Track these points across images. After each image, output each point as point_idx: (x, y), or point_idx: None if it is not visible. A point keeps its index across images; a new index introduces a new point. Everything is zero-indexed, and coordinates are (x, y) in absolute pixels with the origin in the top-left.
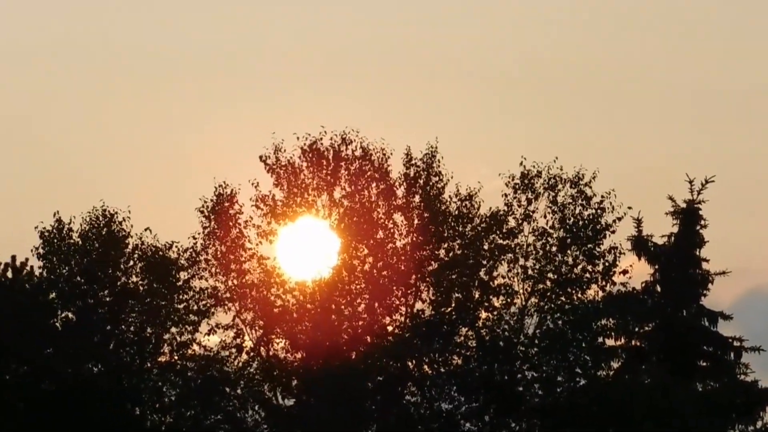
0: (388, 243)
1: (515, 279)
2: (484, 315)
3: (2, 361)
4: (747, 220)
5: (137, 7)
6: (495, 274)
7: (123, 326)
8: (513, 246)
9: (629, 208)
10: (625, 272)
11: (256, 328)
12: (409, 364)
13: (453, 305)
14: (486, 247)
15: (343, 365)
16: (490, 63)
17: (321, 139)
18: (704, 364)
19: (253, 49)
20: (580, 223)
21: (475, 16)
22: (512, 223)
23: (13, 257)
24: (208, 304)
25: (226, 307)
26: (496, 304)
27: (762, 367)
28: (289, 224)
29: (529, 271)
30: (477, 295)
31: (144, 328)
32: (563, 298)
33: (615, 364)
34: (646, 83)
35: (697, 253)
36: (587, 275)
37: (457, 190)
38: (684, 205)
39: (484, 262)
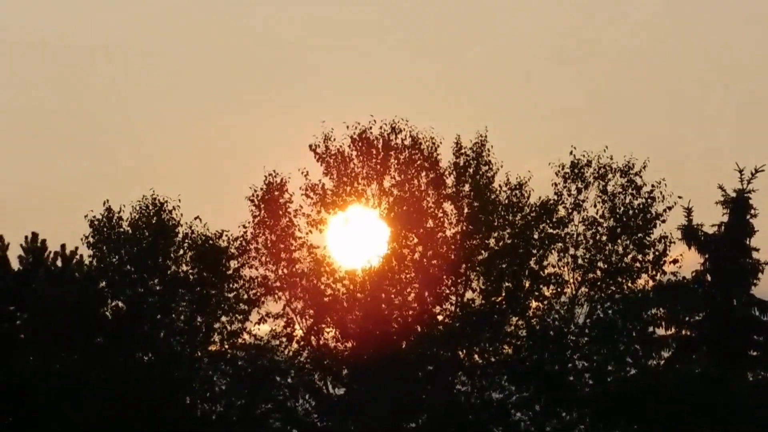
0: (438, 232)
1: (565, 268)
2: (534, 304)
3: (53, 350)
4: None
5: (189, 2)
6: (545, 263)
7: (173, 315)
8: (563, 235)
9: (679, 197)
10: (675, 261)
11: (306, 317)
12: (460, 353)
13: (503, 294)
14: (536, 236)
15: (393, 354)
16: (540, 51)
17: (370, 127)
18: (755, 353)
19: (304, 38)
20: (630, 212)
21: (522, 3)
22: (562, 212)
23: (63, 246)
24: (258, 293)
25: (276, 296)
26: (546, 294)
27: None
28: (339, 213)
29: (579, 261)
30: (527, 285)
31: (194, 317)
32: (613, 288)
33: (665, 354)
34: (696, 72)
35: (748, 242)
36: (637, 265)
37: (507, 180)
38: (734, 195)
39: (534, 252)
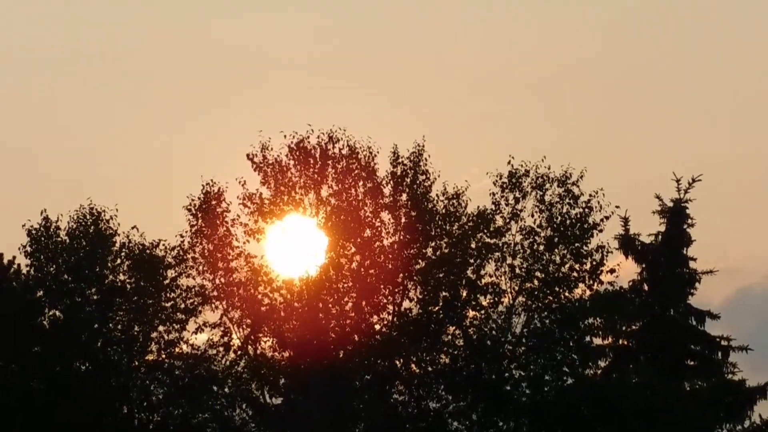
0: (375, 241)
1: (503, 278)
2: (471, 314)
3: None
4: (734, 220)
5: (125, 9)
6: (482, 272)
7: (110, 324)
8: (500, 245)
9: (617, 207)
10: (612, 271)
11: (244, 326)
12: (397, 362)
13: (440, 304)
14: (473, 245)
15: (331, 364)
16: (478, 62)
17: (308, 137)
18: (692, 363)
19: (241, 48)
20: (568, 222)
21: (463, 17)
22: (500, 221)
23: (0, 255)
24: (196, 303)
25: (213, 306)
26: (484, 303)
27: (749, 367)
28: (277, 222)
29: (517, 270)
30: (464, 294)
31: (131, 326)
32: (551, 297)
33: (603, 363)
34: (633, 83)
35: (685, 252)
36: (575, 274)
37: (444, 189)
38: (671, 204)
39: (472, 261)
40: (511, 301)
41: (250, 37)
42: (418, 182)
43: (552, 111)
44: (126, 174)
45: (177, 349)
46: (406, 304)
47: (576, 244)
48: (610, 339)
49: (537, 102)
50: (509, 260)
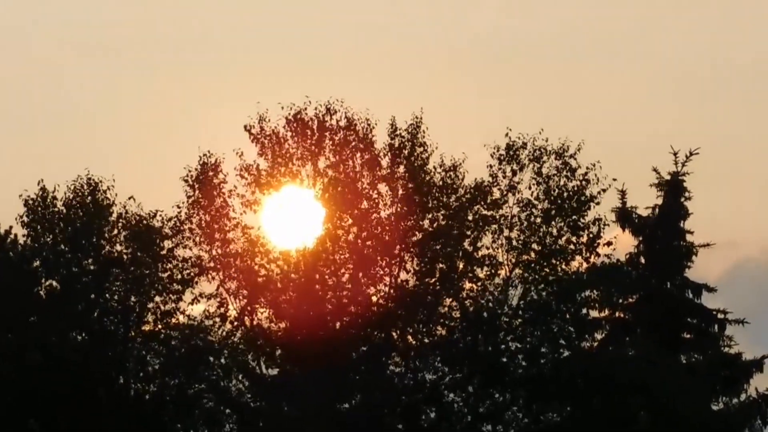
0: (373, 213)
1: (499, 250)
2: (468, 286)
3: None
4: (732, 193)
5: None
6: (479, 245)
7: (107, 295)
8: (497, 217)
9: (614, 179)
10: (609, 244)
11: (240, 297)
12: (393, 334)
13: (437, 276)
14: (470, 218)
15: (327, 335)
16: (477, 34)
17: (306, 109)
18: (688, 336)
19: (240, 19)
20: (565, 194)
21: None
22: (497, 194)
23: None
24: (192, 273)
25: (210, 277)
26: (480, 275)
27: (746, 340)
28: (274, 194)
29: (514, 242)
30: (461, 266)
31: (128, 296)
32: (547, 270)
33: (599, 336)
34: (632, 55)
35: (682, 225)
36: (571, 247)
37: (442, 161)
38: (668, 177)
39: (469, 233)
40: (508, 274)
41: (248, 8)
42: (415, 154)
43: (550, 83)
44: (123, 145)
45: (173, 320)
46: (402, 275)
47: (573, 217)
48: (606, 312)
49: (535, 74)
50: (506, 232)
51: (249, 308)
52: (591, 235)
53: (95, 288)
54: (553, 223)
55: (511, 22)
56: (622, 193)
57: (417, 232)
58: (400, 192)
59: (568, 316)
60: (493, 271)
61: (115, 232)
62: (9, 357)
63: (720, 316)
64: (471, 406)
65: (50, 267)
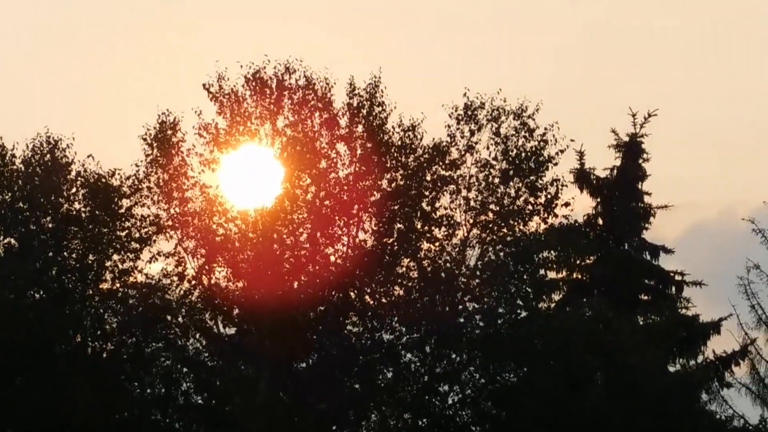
0: (331, 173)
1: (457, 210)
2: (426, 246)
3: None
4: (691, 156)
5: None
6: (437, 205)
7: (65, 253)
8: (455, 177)
9: (572, 140)
10: (567, 205)
11: (198, 256)
12: (351, 294)
13: (395, 236)
14: (428, 178)
15: (285, 295)
16: None
17: (264, 68)
18: (645, 297)
19: None
20: (523, 155)
21: None
22: (455, 154)
23: None
24: (150, 232)
25: (168, 235)
26: (438, 236)
27: (703, 302)
28: (232, 153)
29: (472, 203)
30: (419, 226)
31: (86, 255)
32: (505, 230)
33: (556, 297)
34: (588, 16)
35: (640, 186)
36: (529, 207)
37: (400, 121)
38: (627, 139)
39: (427, 193)
40: (466, 234)
41: None
42: (374, 114)
43: (508, 43)
44: (83, 103)
45: (131, 279)
46: (360, 235)
47: (531, 178)
48: (564, 273)
49: (493, 34)
50: (464, 193)
51: (207, 267)
52: (549, 196)
53: (53, 246)
54: (511, 183)
55: None
56: (580, 154)
57: (375, 192)
58: (359, 152)
59: (525, 277)
60: (450, 231)
61: (74, 190)
62: None
63: (677, 277)
64: (428, 366)
65: (8, 224)
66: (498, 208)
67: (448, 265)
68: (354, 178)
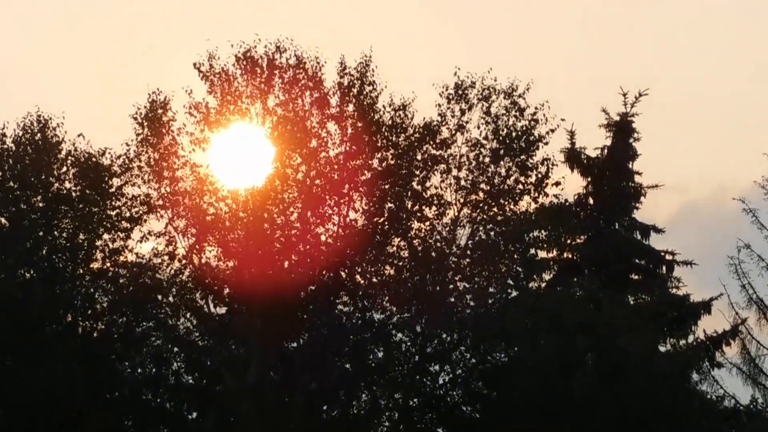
0: (322, 152)
1: (448, 190)
2: (416, 225)
3: None
4: (682, 135)
5: None
6: (428, 184)
7: (55, 232)
8: (446, 156)
9: (562, 119)
10: (557, 184)
11: (189, 235)
12: (342, 273)
13: (386, 215)
14: (419, 157)
15: (275, 274)
16: None
17: (255, 47)
18: (636, 277)
19: None
20: (513, 134)
21: None
22: (445, 133)
23: None
24: (141, 211)
25: (158, 215)
26: (429, 215)
27: (694, 282)
28: (223, 132)
29: (462, 182)
30: (410, 206)
31: (76, 234)
32: (495, 209)
33: (547, 276)
34: None
35: (630, 166)
36: (520, 186)
37: (391, 100)
38: (617, 118)
39: (417, 173)
40: (456, 213)
41: None
42: (364, 93)
43: (499, 22)
44: (74, 82)
45: (122, 258)
46: (351, 215)
47: (522, 157)
48: (554, 252)
49: (484, 13)
50: (455, 172)
51: (197, 247)
52: (539, 176)
53: (43, 225)
54: (501, 162)
55: None
56: (571, 134)
57: (366, 171)
58: (350, 131)
59: (516, 257)
60: (441, 210)
61: (64, 169)
62: None
63: (668, 257)
64: (419, 345)
65: None
66: (488, 188)
67: (438, 244)
68: (345, 158)
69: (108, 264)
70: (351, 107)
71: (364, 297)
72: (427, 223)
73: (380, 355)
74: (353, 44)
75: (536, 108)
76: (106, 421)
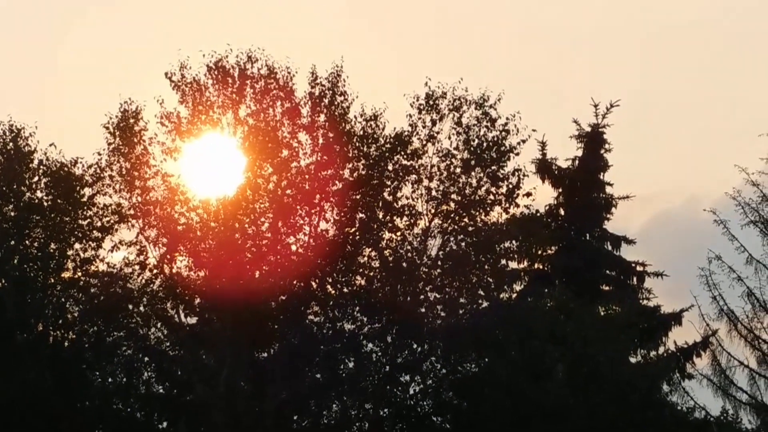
0: (293, 162)
1: (419, 200)
2: (387, 236)
3: None
4: (653, 146)
5: None
6: (399, 194)
7: (27, 241)
8: (417, 167)
9: (534, 130)
10: (528, 195)
11: (160, 245)
12: (313, 283)
13: (357, 225)
14: (390, 167)
15: (246, 284)
16: None
17: (227, 56)
18: (607, 288)
19: None
20: (485, 144)
21: None
22: (416, 143)
23: None
24: (112, 221)
25: (129, 224)
26: (400, 225)
27: (665, 293)
28: (194, 142)
29: (433, 192)
30: (381, 216)
31: (48, 243)
32: (466, 220)
33: (518, 287)
34: (552, 5)
35: (601, 177)
36: (491, 197)
37: (362, 111)
38: (589, 129)
39: (388, 183)
40: (427, 224)
41: None
42: (336, 103)
43: (470, 32)
44: (45, 92)
45: (93, 267)
46: (322, 225)
47: (493, 167)
48: (525, 263)
49: (455, 23)
50: (426, 182)
51: (168, 256)
52: (510, 186)
53: (15, 234)
54: (472, 173)
55: None
56: (542, 145)
57: (337, 182)
58: (321, 141)
59: (487, 267)
60: (412, 221)
61: (36, 178)
62: None
63: (639, 268)
64: (389, 356)
65: None
66: (459, 198)
67: (409, 255)
68: (316, 168)
69: (79, 273)
70: (322, 117)
71: (335, 307)
72: (398, 234)
73: (351, 365)
74: (324, 54)
75: (507, 119)
76: (78, 430)
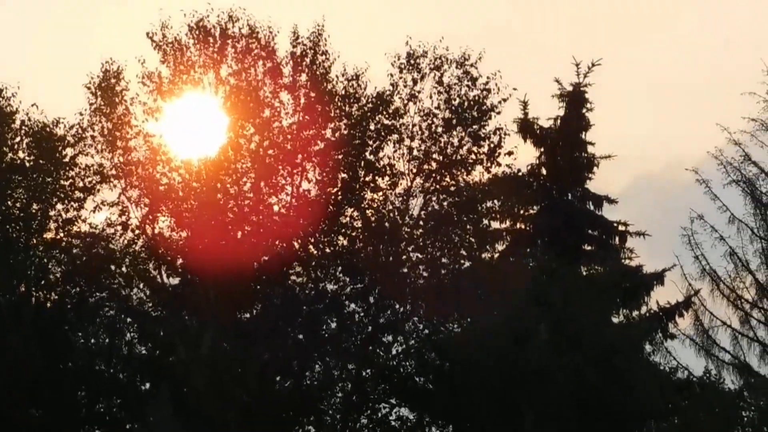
0: (275, 122)
1: (400, 160)
2: (369, 196)
3: None
4: (635, 106)
5: None
6: (381, 154)
7: (9, 202)
8: (399, 126)
9: (515, 89)
10: (510, 153)
11: (142, 205)
12: (295, 244)
13: (339, 185)
14: (372, 127)
15: (228, 245)
16: None
17: (208, 16)
18: (589, 247)
19: None
20: (466, 104)
21: None
22: (398, 103)
23: None
24: (94, 181)
25: (111, 185)
26: (382, 185)
27: (647, 253)
28: (176, 102)
29: (415, 152)
30: (363, 176)
31: (30, 204)
32: (448, 179)
33: (500, 247)
34: None
35: (583, 136)
36: (472, 157)
37: (344, 70)
38: (570, 88)
39: (370, 143)
40: (409, 183)
41: None
42: (317, 63)
43: None
44: (26, 51)
45: (75, 228)
46: (304, 185)
47: (474, 127)
48: (507, 222)
49: None
50: (407, 142)
51: (150, 217)
52: (492, 146)
53: None
54: (454, 132)
55: None
56: (524, 104)
57: (319, 142)
58: (302, 101)
59: (469, 227)
60: (394, 180)
61: (18, 139)
62: None
63: (621, 228)
64: (372, 316)
65: None
66: (441, 158)
67: (391, 215)
68: (298, 128)
69: (61, 234)
70: (304, 77)
71: (317, 267)
72: (380, 194)
73: (333, 325)
74: (306, 13)
75: (488, 78)
76: (62, 390)
